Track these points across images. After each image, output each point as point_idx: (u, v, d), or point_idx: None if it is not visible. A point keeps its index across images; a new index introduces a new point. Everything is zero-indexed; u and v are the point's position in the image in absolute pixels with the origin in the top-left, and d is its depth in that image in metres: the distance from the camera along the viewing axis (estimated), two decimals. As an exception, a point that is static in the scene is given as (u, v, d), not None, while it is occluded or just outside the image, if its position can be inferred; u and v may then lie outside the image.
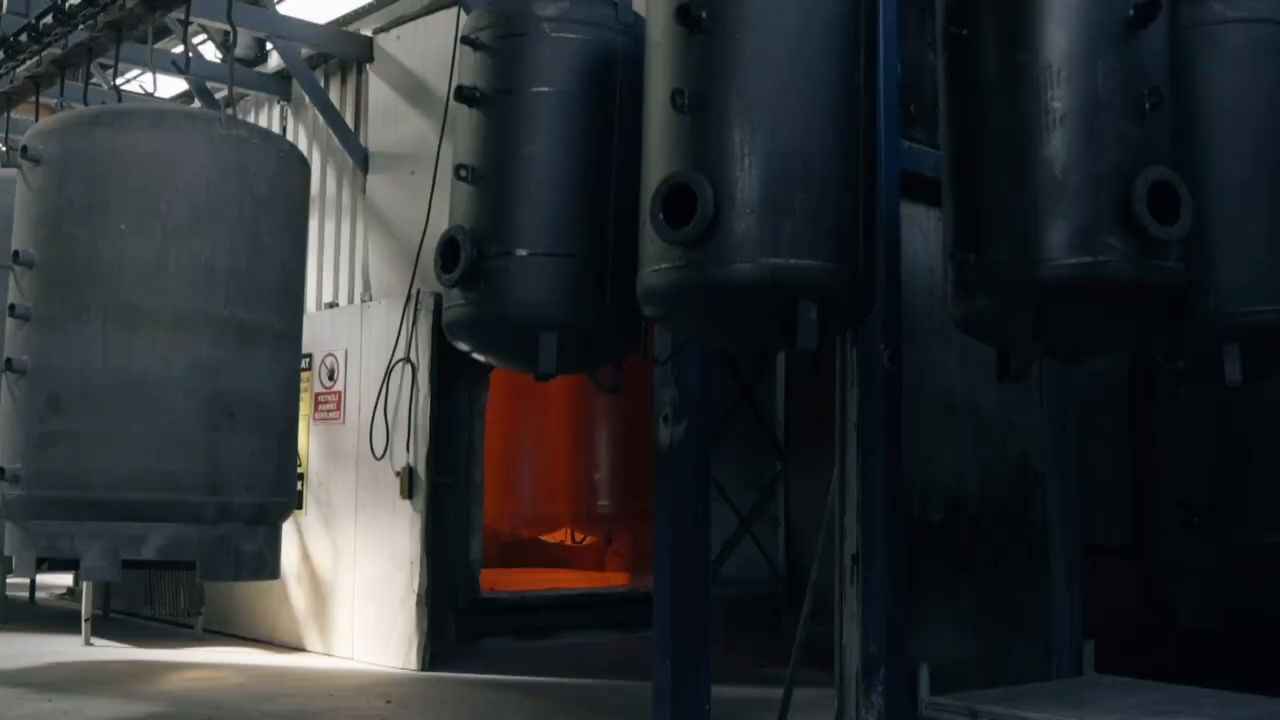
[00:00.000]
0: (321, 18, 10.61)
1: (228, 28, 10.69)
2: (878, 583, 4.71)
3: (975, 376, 5.32)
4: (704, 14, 3.97)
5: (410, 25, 10.01)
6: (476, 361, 5.49)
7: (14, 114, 9.27)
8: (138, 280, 6.54)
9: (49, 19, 7.77)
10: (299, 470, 10.15)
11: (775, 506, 11.96)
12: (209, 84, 11.13)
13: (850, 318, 4.30)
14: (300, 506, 10.18)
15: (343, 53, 10.40)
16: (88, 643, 9.91)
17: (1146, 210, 3.65)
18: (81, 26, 7.77)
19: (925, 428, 5.08)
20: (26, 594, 13.05)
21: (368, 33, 10.43)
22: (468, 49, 4.96)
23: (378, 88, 10.21)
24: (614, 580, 12.02)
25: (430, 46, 9.46)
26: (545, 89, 4.76)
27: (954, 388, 5.23)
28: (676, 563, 5.70)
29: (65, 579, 14.12)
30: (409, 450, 9.10)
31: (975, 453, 5.31)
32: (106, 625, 11.08)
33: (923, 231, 5.10)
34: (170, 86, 12.41)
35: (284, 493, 7.03)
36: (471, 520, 10.10)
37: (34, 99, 8.88)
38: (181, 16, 7.54)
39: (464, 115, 4.93)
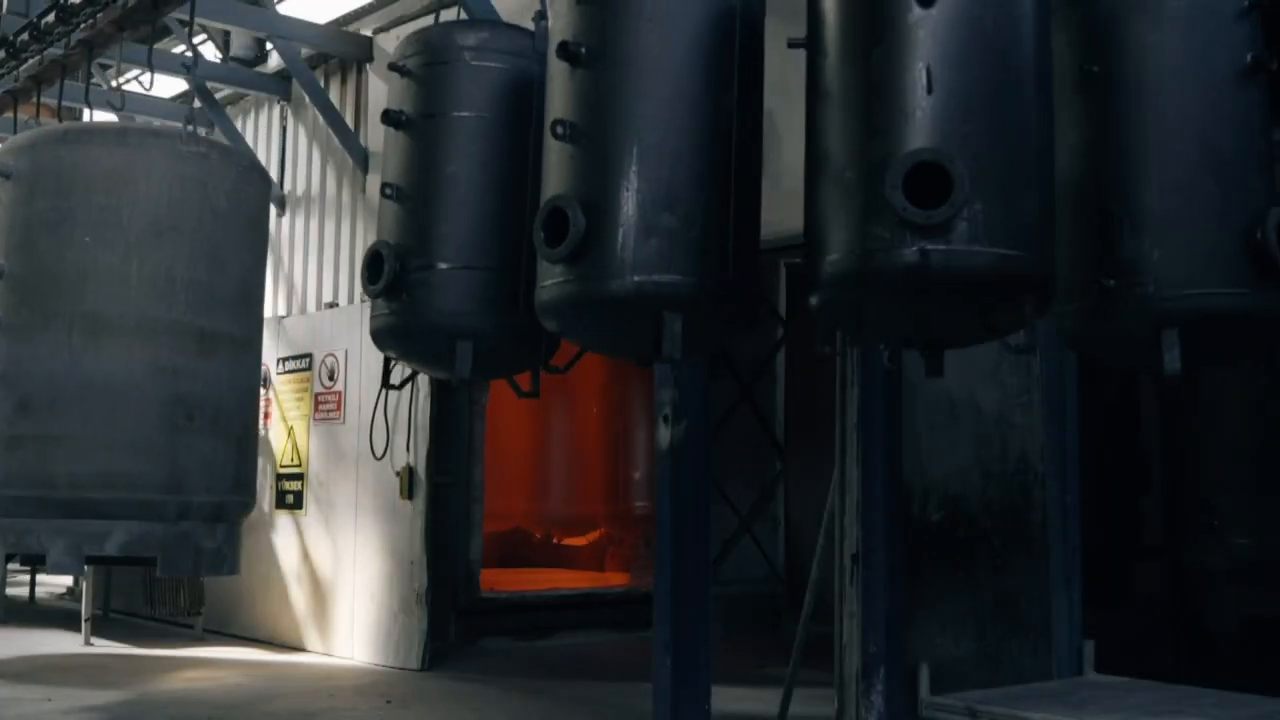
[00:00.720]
0: (321, 18, 10.61)
1: (228, 28, 10.73)
2: (878, 583, 4.72)
3: (975, 376, 5.32)
4: (582, 50, 4.33)
5: (410, 25, 10.02)
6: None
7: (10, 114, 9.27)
8: (102, 289, 6.88)
9: (49, 18, 7.78)
10: (299, 470, 10.19)
11: (775, 506, 11.97)
12: (209, 84, 11.13)
13: (728, 328, 4.54)
14: (300, 506, 10.18)
15: (343, 53, 10.41)
16: (88, 642, 9.91)
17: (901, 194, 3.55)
18: (82, 26, 7.78)
19: (925, 428, 5.08)
20: (26, 593, 13.05)
21: (368, 33, 10.44)
22: (395, 75, 5.29)
23: (378, 88, 10.21)
24: (614, 580, 12.02)
25: (430, 46, 9.46)
26: (466, 114, 5.09)
27: (954, 388, 5.23)
28: (676, 563, 5.70)
29: (65, 579, 14.13)
30: (409, 450, 9.11)
31: (975, 453, 5.31)
32: (106, 625, 11.08)
33: (923, 232, 5.10)
34: (170, 86, 12.41)
35: (243, 492, 7.35)
36: (471, 520, 10.11)
37: (34, 99, 8.90)
38: (183, 17, 7.53)
39: (391, 137, 5.27)
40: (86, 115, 10.60)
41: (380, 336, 5.18)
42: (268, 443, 10.68)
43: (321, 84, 10.57)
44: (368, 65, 10.38)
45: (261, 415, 10.68)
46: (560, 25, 4.53)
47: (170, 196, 7.00)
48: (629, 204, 4.20)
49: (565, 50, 4.36)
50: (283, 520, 10.41)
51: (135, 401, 6.84)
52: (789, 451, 11.66)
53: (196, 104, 11.76)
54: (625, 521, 12.34)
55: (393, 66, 5.35)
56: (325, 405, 10.00)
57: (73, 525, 6.72)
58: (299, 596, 10.09)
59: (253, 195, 7.53)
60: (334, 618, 9.71)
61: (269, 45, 10.82)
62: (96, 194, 6.97)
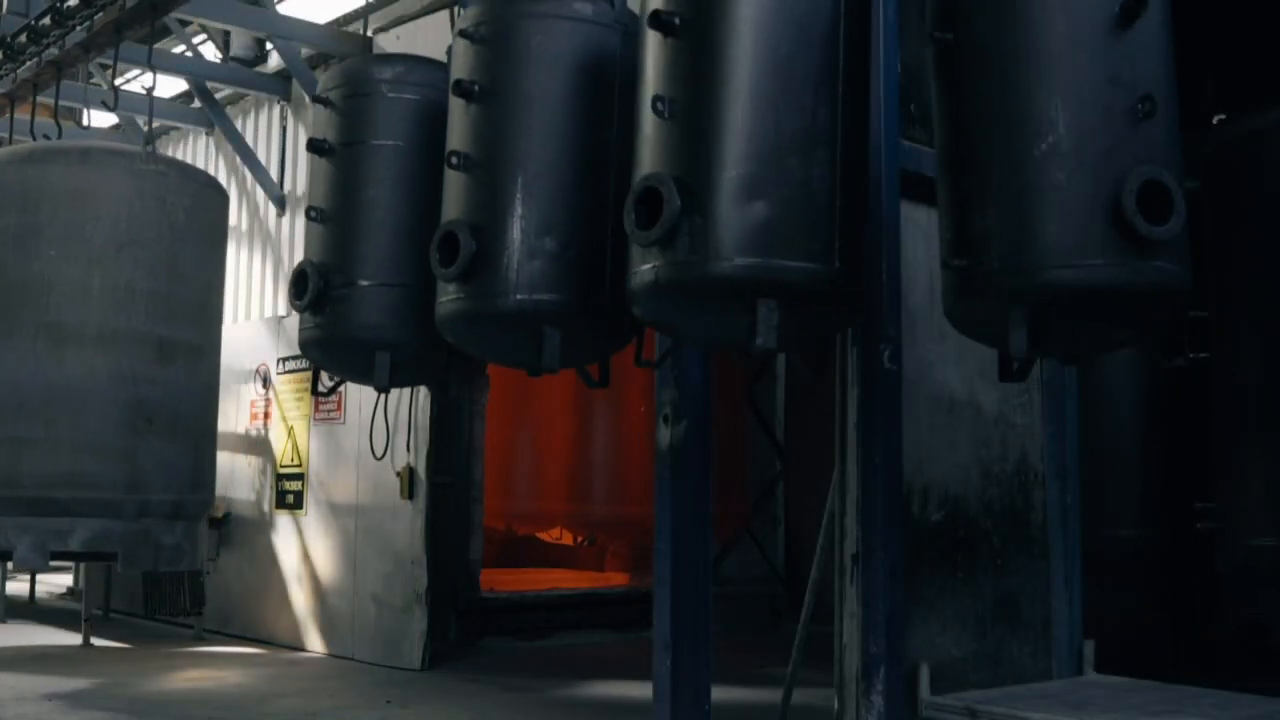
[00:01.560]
0: (321, 18, 10.61)
1: (228, 28, 10.72)
2: (878, 583, 4.71)
3: (975, 376, 5.32)
4: (475, 87, 4.79)
5: (410, 25, 10.02)
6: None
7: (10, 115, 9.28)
8: (65, 300, 7.39)
9: (47, 20, 7.81)
10: (299, 470, 10.19)
11: (775, 506, 11.97)
12: (209, 84, 11.13)
13: (604, 342, 4.95)
14: (300, 506, 10.19)
15: (343, 53, 10.40)
16: (88, 642, 9.91)
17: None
18: (78, 28, 7.80)
19: (925, 428, 5.08)
20: (26, 593, 13.05)
21: (368, 33, 10.44)
22: (319, 106, 5.73)
23: (378, 88, 10.21)
24: (614, 580, 12.01)
25: (430, 46, 9.45)
26: (383, 142, 5.51)
27: (954, 388, 5.23)
28: (676, 563, 5.69)
29: (65, 579, 14.13)
30: (409, 450, 9.11)
31: (975, 453, 5.31)
32: (106, 625, 11.09)
33: (923, 232, 5.10)
34: (170, 86, 12.42)
35: (201, 491, 7.83)
36: (471, 520, 10.10)
37: (31, 100, 8.92)
38: (183, 17, 7.58)
39: (316, 164, 5.69)
40: (86, 115, 10.63)
41: (307, 348, 5.60)
42: (268, 443, 10.68)
43: (321, 83, 10.56)
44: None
45: (262, 415, 10.72)
46: (458, 64, 4.94)
47: (130, 213, 7.49)
48: (514, 229, 4.66)
49: (459, 87, 4.82)
50: (283, 520, 10.41)
51: (97, 406, 7.32)
52: (789, 451, 11.66)
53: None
54: None
55: (316, 98, 5.76)
56: (325, 405, 10.00)
57: (38, 523, 7.16)
58: (299, 596, 10.09)
59: (210, 210, 7.99)
60: (334, 618, 9.71)
61: (269, 45, 10.82)
62: (60, 210, 7.46)
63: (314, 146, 5.61)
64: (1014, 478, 5.44)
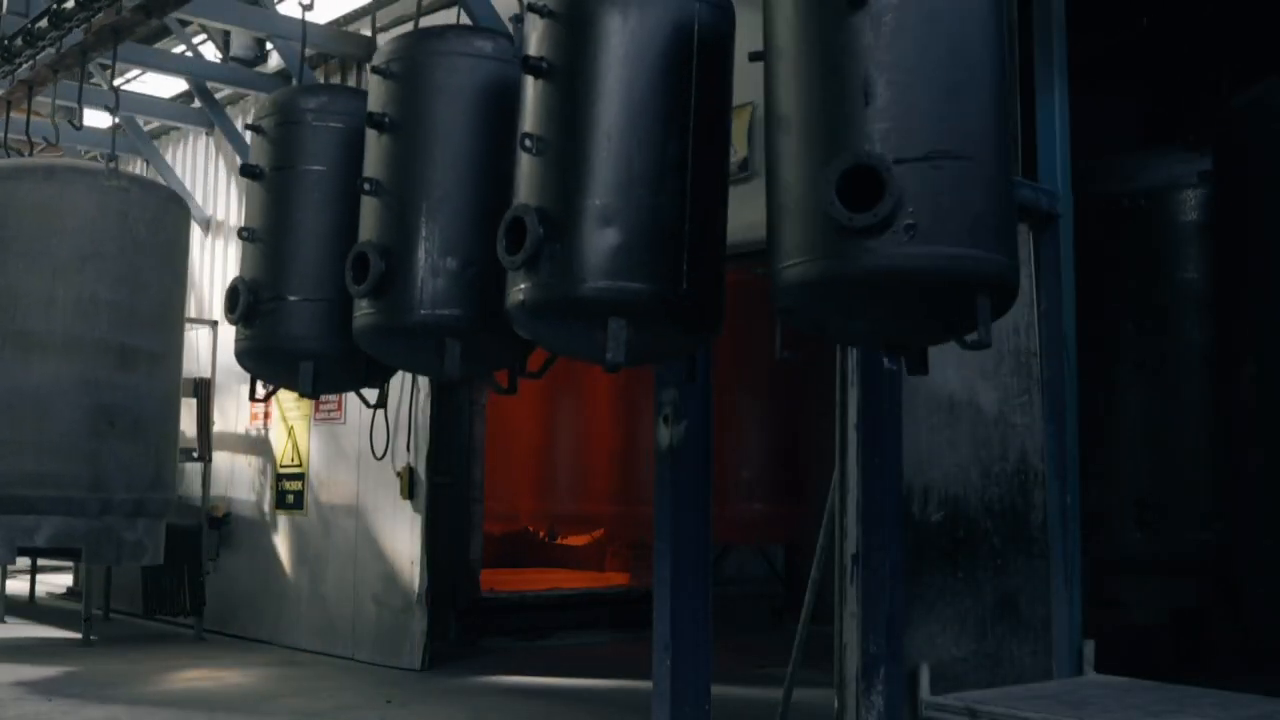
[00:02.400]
0: (321, 18, 10.61)
1: (228, 28, 10.71)
2: (878, 583, 4.71)
3: (975, 376, 5.32)
4: (385, 119, 5.27)
5: (410, 25, 10.01)
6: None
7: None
8: (31, 310, 7.82)
9: (43, 22, 7.83)
10: (300, 471, 10.20)
11: (775, 506, 11.94)
12: (209, 84, 11.13)
13: (500, 352, 5.30)
14: (300, 507, 10.19)
15: (343, 53, 10.40)
16: (88, 642, 9.91)
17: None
18: (77, 30, 7.81)
19: (925, 428, 5.08)
20: (27, 593, 13.05)
21: (368, 33, 10.43)
22: (252, 133, 6.13)
23: (378, 88, 10.21)
24: (614, 580, 12.00)
25: (430, 46, 9.46)
26: (309, 167, 5.91)
27: (954, 388, 5.23)
28: (676, 563, 5.70)
29: (66, 579, 14.13)
30: (409, 450, 9.11)
31: (975, 453, 5.31)
32: (106, 625, 11.09)
33: (923, 232, 5.10)
34: (170, 86, 12.42)
35: (161, 490, 8.25)
36: (472, 520, 10.11)
37: (28, 102, 8.95)
38: (183, 17, 7.61)
39: (249, 187, 6.11)
40: (78, 117, 10.65)
41: (240, 357, 6.04)
42: (268, 443, 10.68)
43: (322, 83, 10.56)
44: (368, 65, 10.37)
45: (262, 415, 10.73)
46: (372, 98, 5.44)
47: (94, 227, 7.94)
48: (419, 250, 5.10)
49: (372, 119, 5.31)
50: (283, 520, 10.41)
51: (61, 410, 7.78)
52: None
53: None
54: (737, 527, 11.28)
55: (249, 126, 6.17)
56: (326, 405, 10.00)
57: (5, 520, 7.58)
58: (299, 597, 10.09)
59: (171, 224, 8.41)
60: (334, 618, 9.71)
61: (269, 45, 10.82)
62: (26, 225, 7.89)
63: (246, 171, 6.04)
64: (1014, 478, 5.44)
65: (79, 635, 10.00)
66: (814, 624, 5.36)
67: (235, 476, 11.00)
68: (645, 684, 5.84)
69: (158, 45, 11.55)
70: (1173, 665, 6.45)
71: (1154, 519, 7.25)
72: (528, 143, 4.57)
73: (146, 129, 12.41)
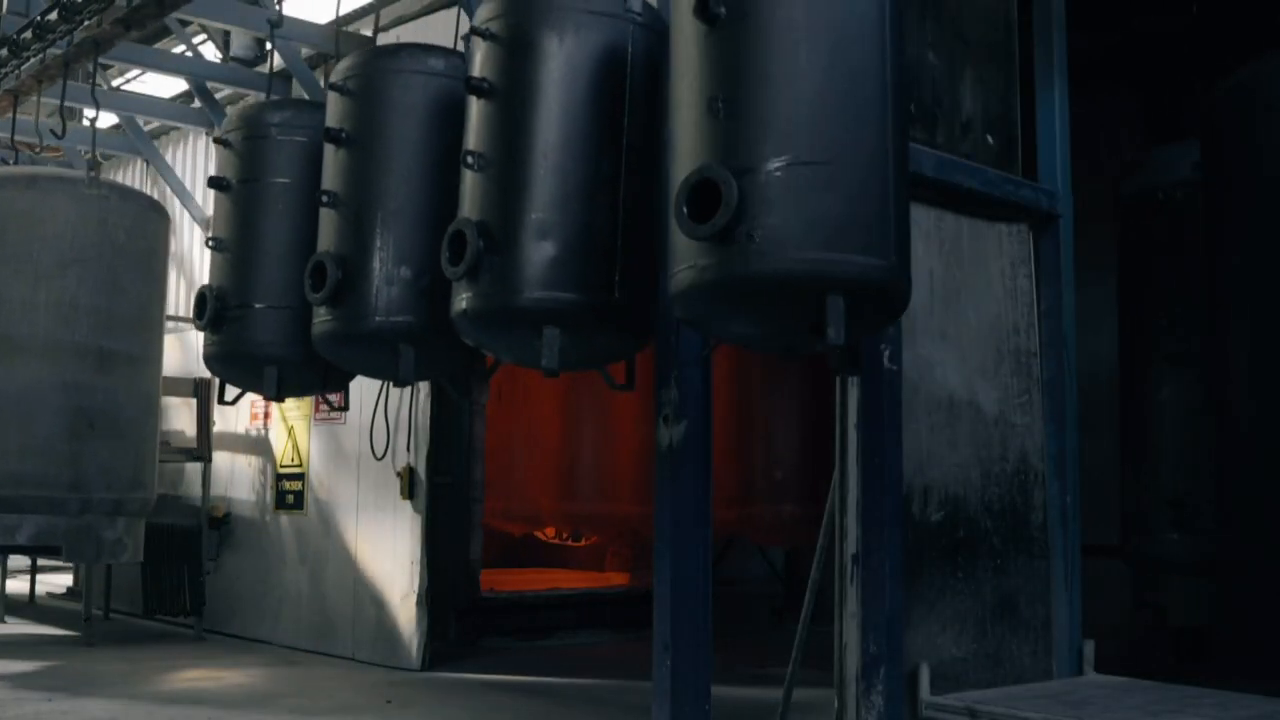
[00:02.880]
0: (321, 18, 10.60)
1: (228, 28, 10.71)
2: (878, 583, 4.71)
3: (975, 376, 5.32)
4: (342, 134, 5.55)
5: (410, 25, 10.02)
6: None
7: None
8: (13, 315, 8.04)
9: (28, 34, 7.93)
10: (300, 471, 10.20)
11: (775, 506, 11.91)
12: (209, 84, 11.13)
13: (451, 357, 5.57)
14: (300, 507, 10.19)
15: (343, 53, 10.39)
16: (88, 642, 9.91)
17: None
18: (70, 31, 7.90)
19: (925, 428, 5.08)
20: (27, 593, 13.05)
21: (368, 33, 10.43)
22: (218, 146, 6.41)
23: (378, 88, 10.20)
24: (614, 580, 12.00)
25: (430, 46, 9.47)
26: (274, 180, 6.16)
27: (954, 388, 5.23)
28: (676, 563, 5.69)
29: (66, 579, 14.13)
30: (409, 450, 9.11)
31: (975, 453, 5.31)
32: (107, 625, 11.09)
33: (923, 232, 5.10)
34: (170, 86, 12.43)
35: (141, 490, 8.52)
36: (472, 520, 10.10)
37: (13, 108, 9.03)
38: (183, 17, 7.67)
39: (217, 198, 6.37)
40: (86, 115, 10.66)
41: (208, 362, 6.32)
42: (268, 443, 10.68)
43: (322, 84, 10.55)
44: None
45: (262, 415, 10.73)
46: (330, 113, 5.70)
47: (74, 234, 8.18)
48: (374, 259, 5.37)
49: (329, 134, 5.57)
50: (283, 520, 10.41)
51: (42, 412, 8.04)
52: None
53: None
54: (771, 529, 11.02)
55: (217, 140, 6.42)
56: (326, 405, 10.00)
57: None
58: (299, 597, 10.09)
59: (150, 231, 8.71)
60: (334, 618, 9.71)
61: (269, 45, 10.81)
62: (9, 232, 8.13)
63: (214, 183, 6.28)
64: (1014, 478, 5.44)
65: (79, 635, 10.00)
66: (814, 624, 5.36)
67: (235, 476, 11.00)
68: (645, 684, 5.83)
69: (158, 45, 11.55)
70: (1173, 665, 6.45)
71: (1189, 519, 7.16)
72: (470, 160, 4.83)
73: (146, 129, 12.40)
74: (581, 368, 5.28)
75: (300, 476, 10.23)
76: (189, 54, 11.38)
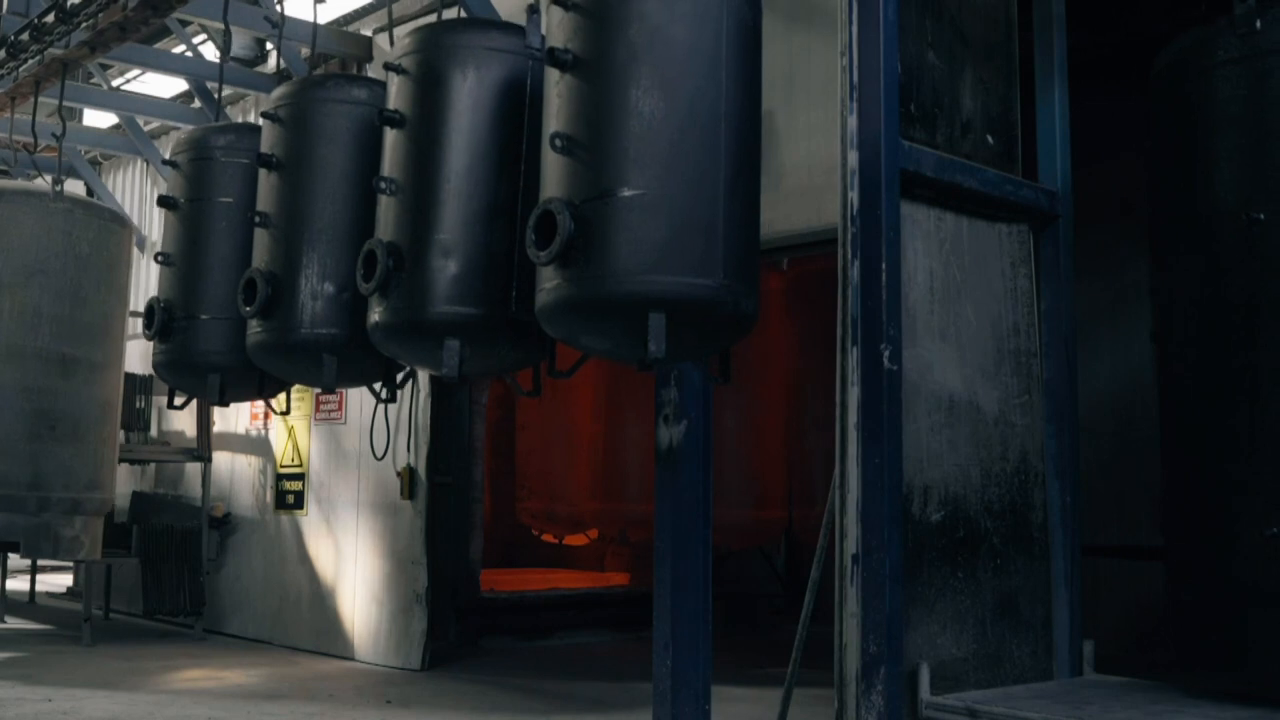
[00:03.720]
0: (322, 18, 10.60)
1: (228, 29, 10.73)
2: (877, 583, 4.70)
3: (975, 376, 5.32)
4: (274, 158, 6.04)
5: (410, 25, 10.01)
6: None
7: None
8: None
9: (25, 35, 7.96)
10: (300, 471, 10.20)
11: (775, 507, 11.91)
12: (209, 84, 11.12)
13: (371, 366, 6.00)
14: (301, 507, 10.19)
15: (342, 53, 10.41)
16: (88, 642, 9.91)
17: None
18: (58, 43, 7.96)
19: (925, 428, 5.07)
20: (27, 593, 13.05)
21: (367, 33, 10.44)
22: (168, 168, 6.86)
23: (378, 88, 10.21)
24: (614, 580, 12.01)
25: (430, 46, 9.46)
26: (219, 199, 6.62)
27: (954, 388, 5.23)
28: (677, 563, 5.69)
29: (65, 579, 14.13)
30: (409, 450, 9.11)
31: (975, 453, 5.30)
32: (107, 625, 11.09)
33: (923, 232, 5.10)
34: (170, 86, 12.43)
35: (98, 490, 8.97)
36: (472, 520, 10.11)
37: (10, 105, 9.09)
38: (183, 17, 7.76)
39: (166, 217, 6.82)
40: (87, 114, 10.65)
41: (157, 369, 6.79)
42: (268, 443, 10.69)
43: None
44: (367, 65, 10.39)
45: (262, 415, 10.73)
46: (264, 139, 6.19)
47: (39, 245, 8.65)
48: (301, 276, 5.81)
49: (262, 159, 6.07)
50: (283, 520, 10.41)
51: (4, 414, 8.45)
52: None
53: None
54: (803, 526, 10.91)
55: (166, 161, 6.78)
56: (327, 405, 10.01)
57: None
58: (299, 597, 10.09)
59: (112, 243, 9.12)
60: (334, 618, 9.71)
61: (269, 45, 10.82)
62: None
63: (163, 202, 6.72)
64: (1014, 478, 5.44)
65: (79, 635, 10.00)
66: (814, 624, 5.36)
67: (235, 476, 11.00)
68: (645, 684, 5.84)
69: (158, 45, 11.55)
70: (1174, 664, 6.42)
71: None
72: (383, 185, 5.30)
73: (146, 129, 12.40)
74: (482, 376, 5.92)
75: (300, 476, 10.23)
76: (189, 54, 11.38)
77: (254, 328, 5.95)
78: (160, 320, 6.54)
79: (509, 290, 5.11)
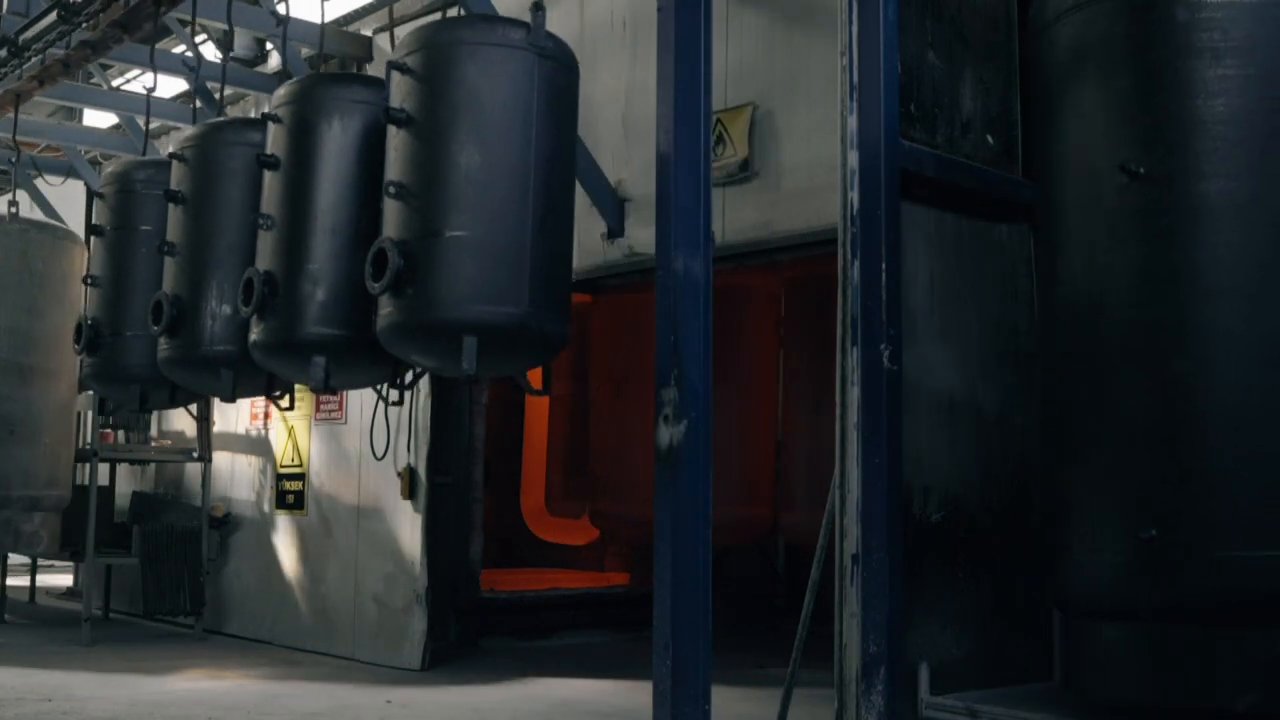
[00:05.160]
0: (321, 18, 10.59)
1: (227, 27, 10.73)
2: (878, 583, 4.71)
3: (975, 376, 5.32)
4: (179, 194, 6.81)
5: (410, 25, 10.01)
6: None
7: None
8: None
9: (26, 35, 7.98)
10: (300, 471, 10.20)
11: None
12: (209, 84, 11.11)
13: (263, 379, 6.71)
14: (301, 507, 10.19)
15: (342, 53, 10.41)
16: (88, 643, 9.91)
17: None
18: (55, 45, 7.98)
19: (925, 428, 5.07)
20: (27, 593, 13.04)
21: (367, 33, 10.44)
22: (97, 198, 7.69)
23: (377, 88, 10.21)
24: (614, 580, 12.00)
25: (430, 46, 9.46)
26: (140, 227, 7.36)
27: (954, 388, 5.23)
28: (676, 563, 5.69)
29: (66, 579, 14.13)
30: (410, 450, 9.11)
31: (975, 453, 5.30)
32: (106, 625, 11.09)
33: (923, 232, 5.10)
34: (170, 86, 12.41)
35: (56, 488, 9.83)
36: (472, 520, 10.10)
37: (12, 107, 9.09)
38: (183, 17, 7.82)
39: (94, 242, 7.61)
40: (87, 114, 10.65)
41: (85, 381, 7.71)
42: (268, 443, 10.69)
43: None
44: (367, 65, 10.38)
45: (262, 415, 10.73)
46: (173, 175, 6.93)
47: None
48: (202, 299, 6.58)
49: (169, 195, 6.84)
50: (283, 520, 10.41)
51: None
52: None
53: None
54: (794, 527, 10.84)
55: (94, 193, 7.67)
56: (327, 405, 10.00)
57: None
58: (299, 596, 10.09)
59: (65, 260, 9.90)
60: (334, 618, 9.71)
61: (269, 45, 10.81)
62: None
63: (91, 229, 7.44)
64: (1014, 478, 5.44)
65: (79, 635, 10.00)
66: (814, 624, 5.36)
67: (235, 476, 11.00)
68: (645, 684, 5.83)
69: (158, 45, 11.53)
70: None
71: None
72: (261, 221, 6.09)
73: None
74: (346, 388, 6.92)
75: (300, 476, 10.23)
76: (189, 54, 11.37)
77: (162, 345, 6.68)
78: (88, 336, 7.26)
79: (369, 313, 5.65)
